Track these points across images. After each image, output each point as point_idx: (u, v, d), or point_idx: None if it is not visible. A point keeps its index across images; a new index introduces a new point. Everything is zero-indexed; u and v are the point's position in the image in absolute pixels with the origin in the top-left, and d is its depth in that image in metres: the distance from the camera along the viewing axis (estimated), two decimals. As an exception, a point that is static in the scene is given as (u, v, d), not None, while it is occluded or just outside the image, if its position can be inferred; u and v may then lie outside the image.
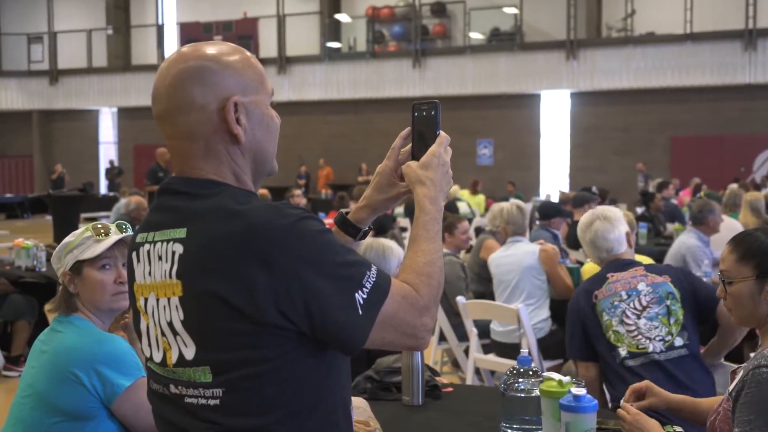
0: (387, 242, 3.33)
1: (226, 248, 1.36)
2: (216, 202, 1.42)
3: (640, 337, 3.11)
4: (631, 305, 3.16)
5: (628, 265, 3.30)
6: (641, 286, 3.18)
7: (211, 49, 1.50)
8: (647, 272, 3.24)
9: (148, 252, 1.48)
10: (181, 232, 1.42)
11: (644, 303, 3.15)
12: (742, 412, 1.95)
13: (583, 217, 3.49)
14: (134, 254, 1.54)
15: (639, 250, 4.58)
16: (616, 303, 3.18)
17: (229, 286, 1.35)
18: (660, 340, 3.10)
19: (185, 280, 1.41)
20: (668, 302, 3.15)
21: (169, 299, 1.43)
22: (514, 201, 5.43)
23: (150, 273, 1.48)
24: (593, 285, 3.27)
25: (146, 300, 1.49)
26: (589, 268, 4.69)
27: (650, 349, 3.09)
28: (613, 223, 3.35)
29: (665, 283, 3.18)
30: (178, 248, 1.42)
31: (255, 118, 1.50)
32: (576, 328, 3.27)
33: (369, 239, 3.34)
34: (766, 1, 18.68)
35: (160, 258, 1.45)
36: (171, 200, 1.49)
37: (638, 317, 3.13)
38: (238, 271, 1.35)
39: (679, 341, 3.10)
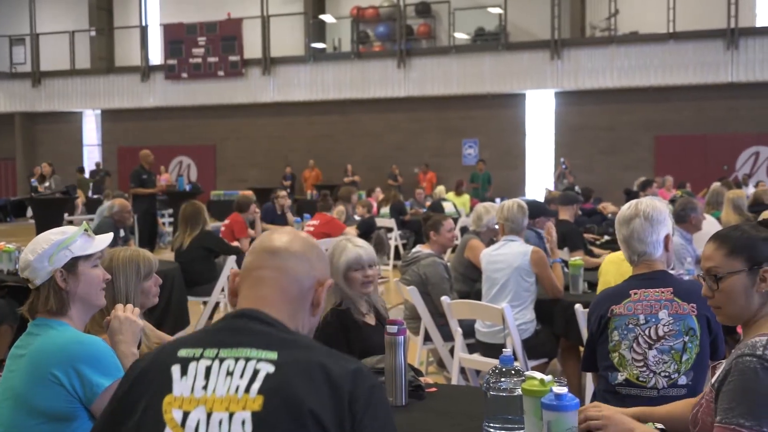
0: (340, 243, 3.35)
1: (331, 381, 1.50)
2: (312, 341, 1.64)
3: (644, 368, 2.93)
4: (647, 332, 2.94)
5: (656, 280, 3.02)
6: (662, 314, 2.94)
7: None
8: (674, 297, 2.96)
9: (208, 368, 1.53)
10: (272, 355, 1.53)
11: (661, 333, 2.93)
12: (723, 400, 1.95)
13: (625, 209, 3.15)
14: (176, 367, 1.55)
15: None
16: (631, 326, 2.96)
17: (324, 411, 1.47)
18: (665, 376, 2.91)
19: (271, 397, 1.48)
20: (686, 338, 2.92)
21: (232, 414, 1.48)
22: (516, 200, 5.33)
23: (205, 387, 1.52)
24: (612, 299, 3.05)
25: (186, 414, 1.50)
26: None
27: (650, 384, 2.91)
28: (654, 225, 3.04)
29: (689, 316, 2.93)
30: (267, 367, 1.51)
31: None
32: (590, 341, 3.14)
33: (335, 239, 3.41)
34: (748, 0, 18.82)
35: (230, 374, 1.51)
36: (248, 324, 1.61)
37: (650, 347, 2.93)
38: (333, 407, 1.48)
39: (683, 380, 2.91)
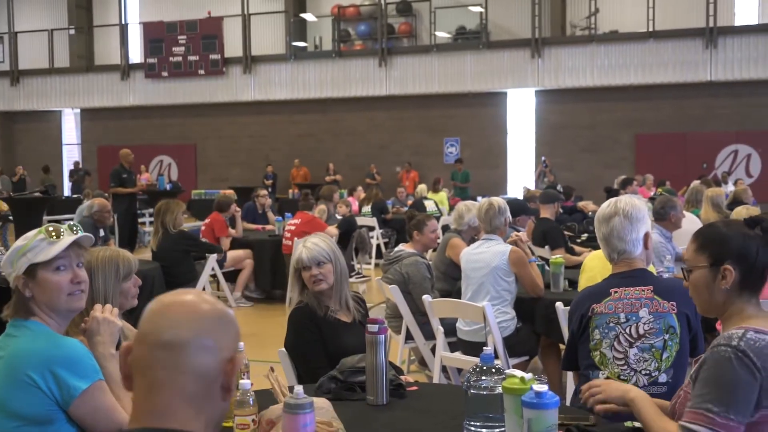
0: (299, 243, 3.39)
1: None
2: None
3: (626, 367, 2.93)
4: (627, 331, 2.94)
5: (636, 279, 3.02)
6: (643, 313, 2.93)
7: None
8: (654, 295, 2.96)
9: None
10: None
11: (641, 332, 2.93)
12: (697, 387, 2.02)
13: (605, 207, 3.14)
14: None
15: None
16: (612, 324, 2.96)
17: None
18: (645, 374, 2.91)
19: None
20: (667, 336, 2.92)
21: None
22: (488, 199, 5.25)
23: None
24: (593, 297, 3.04)
25: None
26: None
27: (631, 382, 2.89)
28: (633, 223, 3.04)
29: (669, 315, 2.93)
30: None
31: None
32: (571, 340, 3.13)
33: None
34: (726, -1, 19.00)
35: None
36: None
37: (630, 345, 2.93)
38: None
39: (663, 378, 2.91)
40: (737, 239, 2.19)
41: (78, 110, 24.76)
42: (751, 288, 2.18)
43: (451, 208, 12.79)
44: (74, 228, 2.35)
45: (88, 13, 24.78)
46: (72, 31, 24.09)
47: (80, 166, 22.91)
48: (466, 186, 18.83)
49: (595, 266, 4.35)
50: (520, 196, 13.72)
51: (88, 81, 23.55)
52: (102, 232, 7.88)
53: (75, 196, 19.42)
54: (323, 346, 3.19)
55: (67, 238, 2.30)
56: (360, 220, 11.05)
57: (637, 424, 2.28)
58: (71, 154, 25.00)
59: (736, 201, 8.40)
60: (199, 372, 1.39)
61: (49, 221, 13.47)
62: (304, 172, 21.52)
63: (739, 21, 19.33)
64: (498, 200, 5.17)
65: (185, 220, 7.92)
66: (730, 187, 14.43)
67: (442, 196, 15.50)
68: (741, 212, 5.30)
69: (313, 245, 3.30)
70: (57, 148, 25.10)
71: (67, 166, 24.22)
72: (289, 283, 3.38)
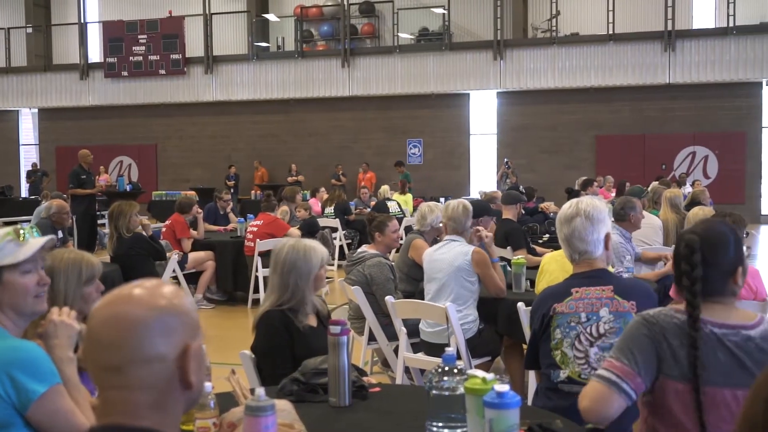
0: (310, 243, 3.34)
1: None
2: None
3: (586, 366, 2.96)
4: (588, 330, 2.98)
5: (597, 279, 3.05)
6: (603, 312, 2.98)
7: None
8: (615, 295, 3.00)
9: None
10: None
11: (602, 331, 2.97)
12: None
13: (566, 208, 3.15)
14: None
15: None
16: (573, 324, 3.00)
17: None
18: None
19: None
20: None
21: None
22: (461, 200, 5.27)
23: None
24: (555, 297, 3.08)
25: None
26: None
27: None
28: (595, 224, 3.06)
29: (629, 314, 2.94)
30: None
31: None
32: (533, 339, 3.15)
33: (293, 240, 3.36)
34: (685, 3, 19.28)
35: None
36: None
37: (591, 345, 2.97)
38: None
39: None
40: (685, 251, 2.35)
41: (36, 110, 24.36)
42: (679, 290, 2.36)
43: (415, 209, 12.81)
44: (31, 230, 2.32)
45: (46, 11, 24.40)
46: (29, 30, 23.69)
47: (38, 166, 22.55)
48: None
49: (554, 269, 4.38)
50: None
51: (46, 80, 23.18)
52: (60, 234, 7.76)
53: (33, 197, 19.10)
54: (292, 351, 3.17)
55: (34, 242, 2.28)
56: (323, 221, 11.03)
57: (598, 426, 2.31)
58: (29, 155, 24.59)
59: (693, 202, 8.53)
60: (149, 384, 1.35)
61: (5, 223, 13.23)
62: (262, 172, 21.45)
63: (697, 24, 19.64)
64: (468, 203, 5.21)
65: (146, 222, 7.81)
66: (689, 188, 14.67)
67: (409, 197, 15.55)
68: (697, 213, 5.37)
69: (290, 247, 3.36)
70: (14, 148, 24.67)
71: (25, 167, 23.81)
72: (273, 283, 3.31)
